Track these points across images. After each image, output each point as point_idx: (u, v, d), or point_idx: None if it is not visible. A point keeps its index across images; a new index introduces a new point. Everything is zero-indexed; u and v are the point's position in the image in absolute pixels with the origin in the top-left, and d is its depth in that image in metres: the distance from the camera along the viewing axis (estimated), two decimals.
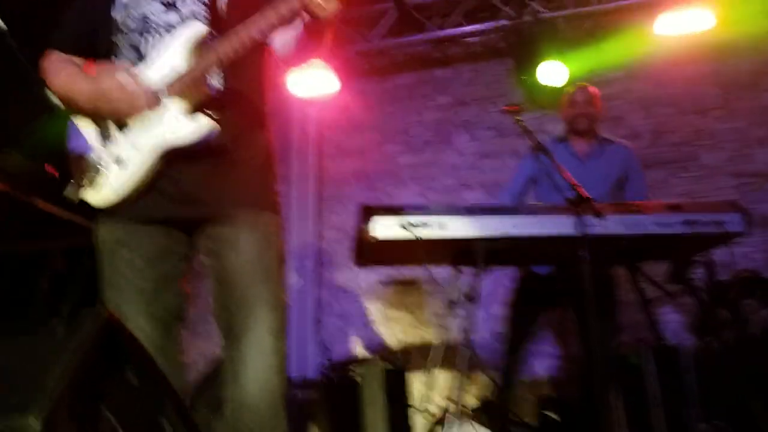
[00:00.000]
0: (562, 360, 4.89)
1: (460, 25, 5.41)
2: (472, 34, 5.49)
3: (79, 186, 1.77)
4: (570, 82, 5.09)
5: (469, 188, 5.65)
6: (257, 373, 1.71)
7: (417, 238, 2.99)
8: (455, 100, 5.81)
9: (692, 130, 5.22)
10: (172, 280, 1.84)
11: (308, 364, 5.41)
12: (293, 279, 5.61)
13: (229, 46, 1.70)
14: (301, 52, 1.87)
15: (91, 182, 1.76)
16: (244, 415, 1.70)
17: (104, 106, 1.76)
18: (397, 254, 3.27)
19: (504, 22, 5.26)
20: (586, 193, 3.02)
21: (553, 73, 5.07)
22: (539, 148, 3.39)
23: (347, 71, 5.44)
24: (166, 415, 1.25)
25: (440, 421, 3.42)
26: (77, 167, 1.80)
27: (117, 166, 1.77)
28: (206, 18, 1.85)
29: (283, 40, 1.87)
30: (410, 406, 3.87)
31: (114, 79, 1.72)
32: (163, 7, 1.85)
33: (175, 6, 1.85)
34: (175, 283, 1.85)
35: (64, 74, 1.85)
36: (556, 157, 3.56)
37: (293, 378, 4.18)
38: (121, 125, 1.78)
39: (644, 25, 5.09)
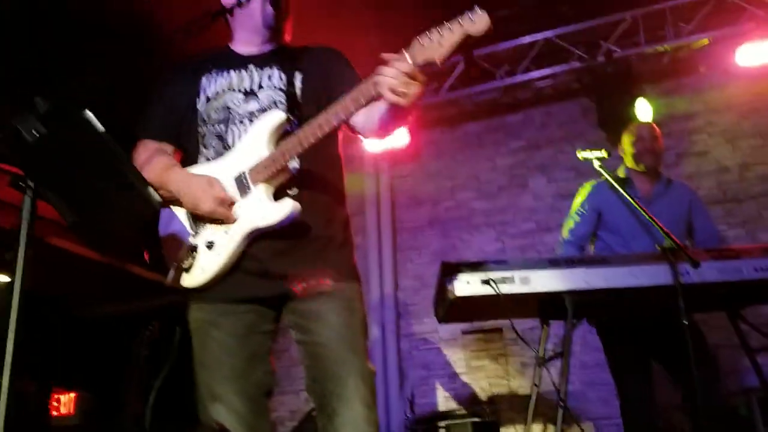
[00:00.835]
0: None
1: (530, 70, 5.38)
2: (542, 78, 5.45)
3: (178, 270, 1.84)
4: (651, 118, 4.96)
5: (549, 231, 5.52)
6: None
7: (500, 294, 2.92)
8: (528, 143, 5.74)
9: None
10: (261, 358, 1.87)
11: (392, 419, 5.34)
12: (373, 332, 5.60)
13: (310, 131, 1.75)
14: (383, 130, 1.89)
15: (187, 266, 1.83)
16: None
17: (188, 207, 1.86)
18: (480, 310, 3.20)
19: (576, 64, 5.20)
20: (680, 242, 2.90)
21: (632, 110, 4.95)
22: (622, 193, 3.29)
23: (417, 122, 5.50)
24: None
25: None
26: (172, 252, 1.87)
27: (208, 250, 1.84)
28: (284, 104, 1.92)
29: (364, 118, 1.89)
30: None
31: (199, 188, 1.81)
32: (243, 96, 1.94)
33: (254, 94, 1.93)
34: (264, 360, 1.88)
35: (156, 166, 1.94)
36: (620, 202, 3.43)
37: None
38: None
39: (724, 57, 4.92)
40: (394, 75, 1.58)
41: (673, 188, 3.56)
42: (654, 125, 3.67)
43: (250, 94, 1.94)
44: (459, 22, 1.56)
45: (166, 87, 2.07)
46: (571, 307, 2.95)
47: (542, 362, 3.16)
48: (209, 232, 1.85)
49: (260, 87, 1.95)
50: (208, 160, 1.93)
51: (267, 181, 1.81)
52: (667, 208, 3.43)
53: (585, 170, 5.33)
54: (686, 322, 2.77)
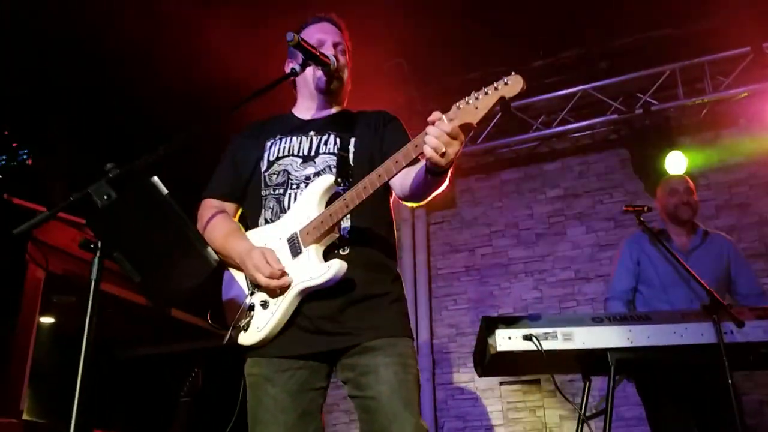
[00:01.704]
0: None
1: (567, 122, 5.44)
2: (579, 129, 5.50)
3: (236, 330, 1.92)
4: (688, 171, 4.96)
5: (588, 281, 5.49)
6: None
7: (541, 351, 2.92)
8: (566, 192, 5.76)
9: None
10: (312, 414, 1.92)
11: None
12: None
13: (355, 193, 1.83)
14: (419, 192, 1.94)
15: (244, 325, 1.91)
16: None
17: (248, 276, 1.95)
18: (521, 364, 3.19)
19: (614, 116, 5.24)
20: (722, 300, 2.88)
21: (671, 162, 4.95)
22: (661, 246, 3.29)
23: (453, 170, 5.55)
24: None
25: None
26: (231, 311, 1.96)
27: (263, 309, 1.92)
28: (336, 168, 2.01)
29: (401, 180, 1.95)
30: None
31: (256, 261, 1.89)
32: (301, 161, 2.05)
33: (312, 159, 2.04)
34: (315, 417, 1.93)
35: (220, 232, 2.05)
36: (658, 254, 3.43)
37: None
38: None
39: (763, 109, 4.91)
40: (438, 135, 1.64)
41: (710, 240, 3.55)
42: (687, 178, 3.69)
43: (308, 158, 2.05)
44: (495, 86, 1.63)
45: (235, 150, 2.20)
46: (614, 364, 2.93)
47: (585, 419, 3.12)
48: (265, 293, 1.93)
49: (317, 152, 2.05)
50: (267, 221, 2.03)
51: (317, 241, 1.89)
52: (705, 261, 3.43)
53: (623, 221, 5.35)
54: (731, 382, 2.73)
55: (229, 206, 2.16)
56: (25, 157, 5.19)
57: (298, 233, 1.92)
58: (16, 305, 4.29)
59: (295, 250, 1.92)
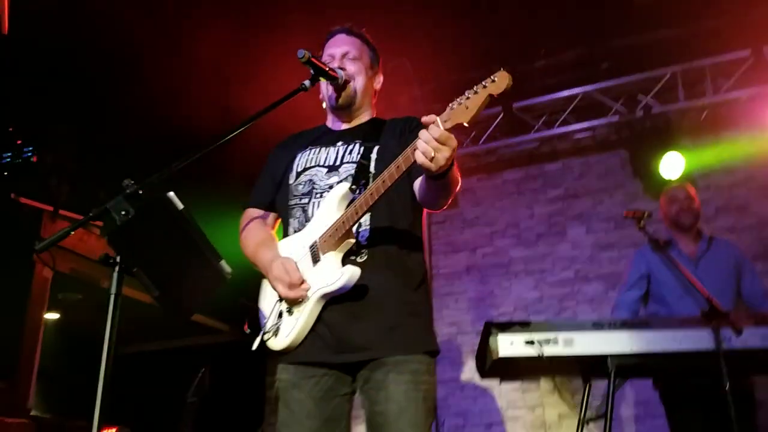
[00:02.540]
0: None
1: (568, 123, 5.49)
2: (581, 130, 5.55)
3: (269, 335, 2.01)
4: (689, 173, 5.01)
5: (587, 281, 5.55)
6: None
7: (543, 356, 2.98)
8: (567, 193, 5.81)
9: None
10: (337, 420, 1.97)
11: None
12: None
13: (363, 199, 1.88)
14: (428, 199, 2.00)
15: (276, 332, 2.00)
16: None
17: (270, 284, 2.04)
18: (522, 369, 3.26)
19: (614, 118, 5.28)
20: (720, 306, 2.94)
21: (671, 165, 5.00)
22: (665, 255, 3.36)
23: (458, 173, 5.60)
24: None
25: None
26: (264, 318, 2.06)
27: (288, 316, 1.99)
28: (354, 176, 2.05)
29: (417, 187, 2.01)
30: None
31: (276, 273, 1.99)
32: (326, 171, 2.11)
33: (336, 169, 2.10)
34: (341, 423, 1.98)
35: (252, 241, 2.16)
36: (664, 266, 3.49)
37: None
38: None
39: (763, 113, 4.96)
40: (427, 140, 1.67)
41: (716, 246, 3.62)
42: (688, 185, 3.75)
43: (332, 168, 2.11)
44: (483, 84, 1.65)
45: (272, 162, 2.30)
46: (614, 369, 2.99)
47: (585, 423, 3.19)
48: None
49: (342, 161, 2.11)
50: (294, 230, 2.11)
51: (333, 248, 1.95)
52: (713, 268, 3.50)
53: (624, 222, 5.37)
54: (728, 387, 2.80)
55: (270, 217, 2.26)
56: (29, 154, 5.22)
57: (318, 241, 1.98)
58: (24, 305, 4.37)
59: (315, 258, 1.98)
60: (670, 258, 3.30)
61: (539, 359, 3.01)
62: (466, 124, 1.68)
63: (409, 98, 5.66)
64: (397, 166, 1.80)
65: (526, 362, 3.08)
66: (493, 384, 5.48)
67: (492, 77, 1.64)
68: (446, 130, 1.68)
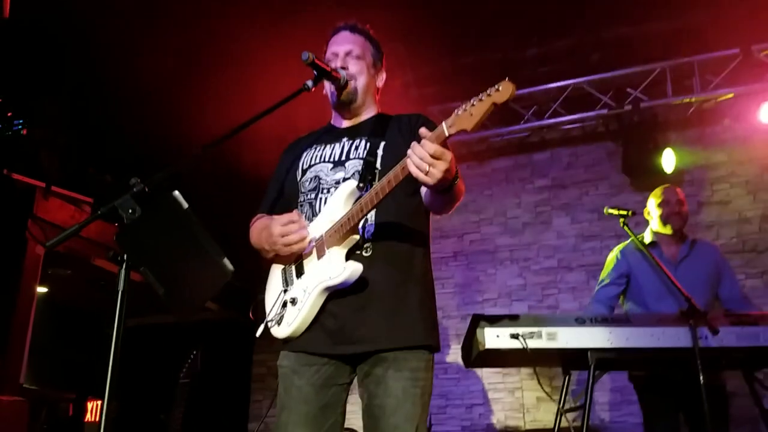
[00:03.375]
0: None
1: (558, 114, 5.56)
2: (570, 122, 5.63)
3: (273, 323, 2.08)
4: (675, 168, 5.13)
5: (570, 270, 5.68)
6: None
7: (527, 349, 3.09)
8: (554, 183, 5.91)
9: None
10: (334, 407, 2.05)
11: None
12: None
13: (368, 198, 1.93)
14: (432, 206, 2.07)
15: (278, 319, 2.07)
16: None
17: (275, 247, 2.06)
18: (506, 360, 3.38)
19: (603, 111, 5.36)
20: (699, 306, 3.06)
21: (659, 158, 5.11)
22: (646, 252, 3.47)
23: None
24: None
25: None
26: (269, 307, 2.12)
27: (292, 305, 2.06)
28: (361, 172, 2.10)
29: (423, 192, 2.06)
30: None
31: (280, 218, 2.05)
32: (332, 167, 2.16)
33: (342, 165, 2.15)
34: (337, 410, 2.06)
35: (256, 230, 2.20)
36: (646, 267, 3.59)
37: None
38: (299, 273, 2.08)
39: (748, 111, 5.07)
40: (420, 155, 1.71)
41: (698, 249, 3.71)
42: (679, 189, 3.82)
43: (338, 164, 2.15)
44: (488, 93, 1.69)
45: (280, 165, 2.35)
46: (593, 363, 3.12)
47: (564, 412, 3.33)
48: (295, 288, 2.07)
49: (348, 157, 2.16)
50: None
51: (338, 243, 2.00)
52: (694, 270, 3.59)
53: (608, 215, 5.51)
54: (702, 382, 2.94)
55: None
56: (19, 127, 5.20)
57: (323, 236, 2.03)
58: (17, 281, 4.40)
59: (320, 252, 2.03)
60: (653, 258, 3.40)
61: (523, 351, 3.13)
62: (468, 131, 1.72)
63: (402, 83, 5.69)
64: (402, 167, 1.83)
65: (511, 354, 3.19)
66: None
67: (497, 86, 1.68)
68: (450, 135, 1.73)
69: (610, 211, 3.57)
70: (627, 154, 5.28)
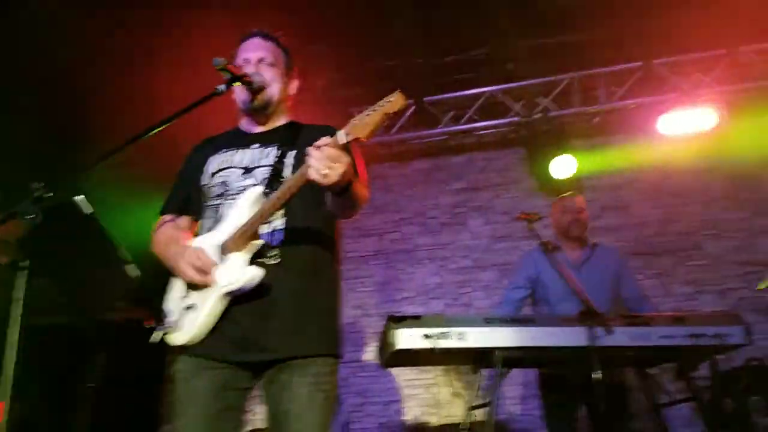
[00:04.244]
0: None
1: (474, 120, 5.76)
2: (485, 128, 5.84)
3: (170, 330, 2.05)
4: (578, 174, 5.40)
5: (483, 269, 5.89)
6: None
7: (437, 349, 3.21)
8: (469, 185, 6.11)
9: (698, 220, 5.46)
10: (233, 411, 2.04)
11: None
12: None
13: (270, 202, 1.97)
14: (336, 211, 2.08)
15: (176, 327, 2.05)
16: None
17: (180, 275, 2.08)
18: (419, 359, 3.48)
19: (515, 119, 5.59)
20: (595, 308, 3.27)
21: (562, 165, 5.37)
22: (551, 256, 3.66)
23: (367, 157, 5.75)
24: None
25: None
26: (168, 314, 2.09)
27: (190, 312, 2.04)
28: (268, 179, 2.11)
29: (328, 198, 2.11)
30: None
31: (186, 259, 2.03)
32: (241, 173, 2.16)
33: (251, 171, 2.15)
34: (236, 415, 2.06)
35: (161, 241, 2.18)
36: (550, 270, 3.78)
37: None
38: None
39: (649, 121, 5.40)
40: (319, 158, 1.79)
41: (599, 252, 3.94)
42: (579, 197, 4.05)
43: (248, 170, 2.16)
44: (380, 104, 1.81)
45: (185, 166, 2.32)
46: (500, 361, 3.28)
47: (473, 408, 3.47)
48: (194, 295, 2.05)
49: (258, 164, 2.16)
50: (207, 230, 2.14)
51: (239, 248, 2.01)
52: (595, 273, 3.81)
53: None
54: (599, 379, 3.14)
55: (183, 220, 2.28)
56: None
57: (227, 241, 2.03)
58: None
59: (223, 257, 2.03)
60: (556, 261, 3.59)
61: (435, 351, 3.24)
62: (363, 139, 1.81)
63: (327, 81, 5.72)
64: (302, 174, 1.87)
65: (423, 354, 3.30)
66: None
67: (388, 98, 1.80)
68: (347, 142, 1.81)
69: (520, 216, 3.73)
70: (535, 160, 5.53)
